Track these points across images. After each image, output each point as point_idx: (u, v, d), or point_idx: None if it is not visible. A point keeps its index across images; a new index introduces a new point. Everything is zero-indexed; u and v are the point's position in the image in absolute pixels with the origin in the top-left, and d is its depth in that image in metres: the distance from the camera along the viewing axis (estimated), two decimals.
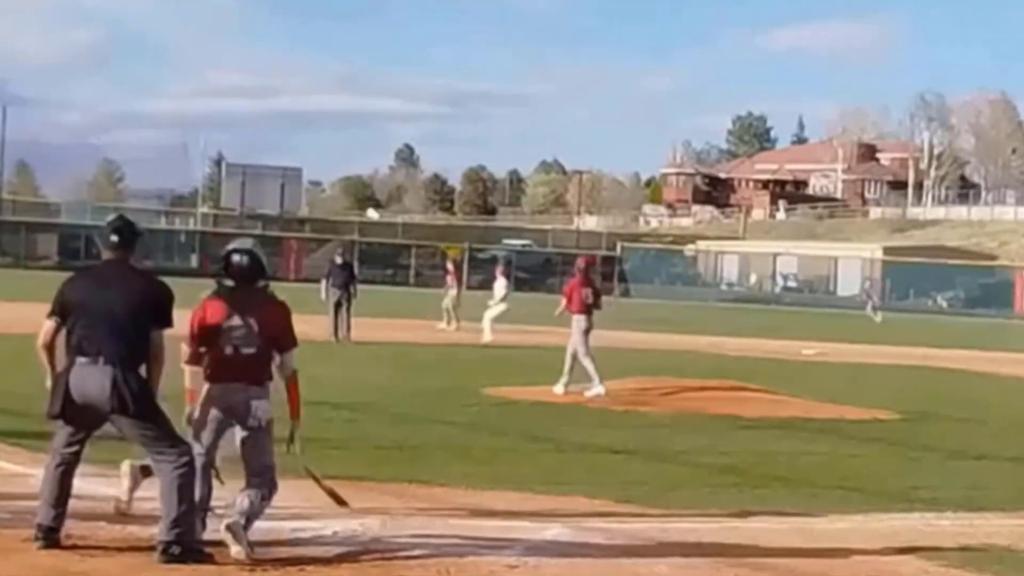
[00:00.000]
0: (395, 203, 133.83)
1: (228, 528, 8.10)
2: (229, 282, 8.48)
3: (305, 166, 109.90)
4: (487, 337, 30.65)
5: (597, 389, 18.69)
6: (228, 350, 8.34)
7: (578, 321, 19.32)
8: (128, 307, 7.99)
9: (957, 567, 9.04)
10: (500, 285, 33.71)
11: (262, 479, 8.34)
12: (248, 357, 8.34)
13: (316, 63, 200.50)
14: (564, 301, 19.86)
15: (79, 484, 8.28)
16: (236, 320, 8.35)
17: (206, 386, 8.39)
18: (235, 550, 8.07)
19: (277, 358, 8.48)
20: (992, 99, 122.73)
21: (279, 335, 8.47)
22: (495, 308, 32.37)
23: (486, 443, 14.26)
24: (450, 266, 37.75)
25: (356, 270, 33.90)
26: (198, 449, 8.30)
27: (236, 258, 8.47)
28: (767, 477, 12.28)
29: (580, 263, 20.75)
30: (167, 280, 8.40)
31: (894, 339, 39.16)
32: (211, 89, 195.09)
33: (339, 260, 30.44)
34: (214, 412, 8.37)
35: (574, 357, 19.07)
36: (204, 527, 8.32)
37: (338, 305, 28.52)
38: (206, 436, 8.40)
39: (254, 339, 8.36)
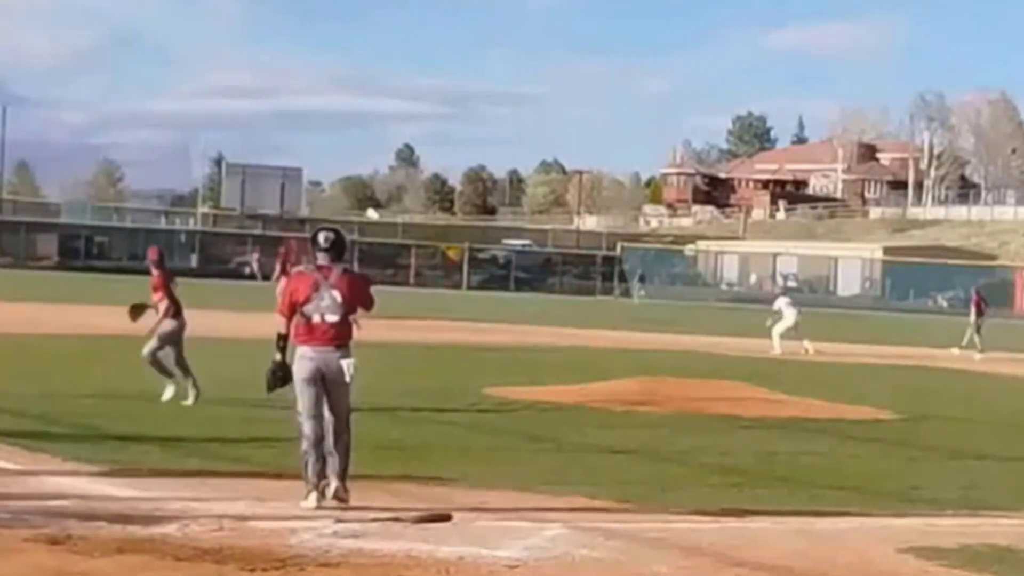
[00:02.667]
0: (395, 203, 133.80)
1: (336, 498, 9.62)
2: (317, 258, 9.92)
3: (305, 166, 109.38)
4: (776, 351, 31.08)
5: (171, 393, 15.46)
6: (316, 318, 9.78)
7: (167, 324, 15.19)
8: None
9: (957, 567, 9.04)
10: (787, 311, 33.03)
11: (344, 423, 9.86)
12: (333, 324, 9.80)
13: (316, 63, 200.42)
14: (171, 309, 14.91)
15: (79, 484, 8.27)
16: (322, 292, 9.79)
17: (299, 349, 9.75)
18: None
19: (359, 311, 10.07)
20: (992, 99, 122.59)
21: (362, 299, 10.10)
22: (782, 324, 32.35)
23: (486, 443, 14.26)
24: (282, 253, 37.40)
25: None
26: (308, 430, 9.69)
27: (323, 234, 10.03)
28: (767, 477, 12.27)
29: (152, 255, 15.91)
30: None
31: (894, 339, 39.15)
32: (211, 89, 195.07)
33: None
34: (308, 377, 9.70)
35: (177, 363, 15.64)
36: (323, 495, 9.58)
37: None
38: (310, 407, 9.71)
39: (337, 308, 9.80)
